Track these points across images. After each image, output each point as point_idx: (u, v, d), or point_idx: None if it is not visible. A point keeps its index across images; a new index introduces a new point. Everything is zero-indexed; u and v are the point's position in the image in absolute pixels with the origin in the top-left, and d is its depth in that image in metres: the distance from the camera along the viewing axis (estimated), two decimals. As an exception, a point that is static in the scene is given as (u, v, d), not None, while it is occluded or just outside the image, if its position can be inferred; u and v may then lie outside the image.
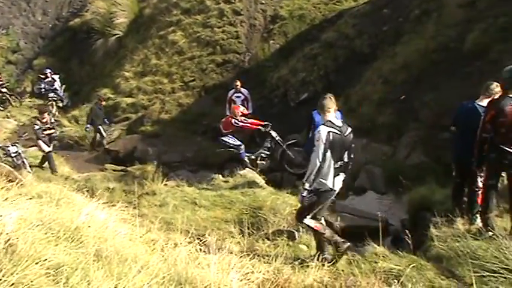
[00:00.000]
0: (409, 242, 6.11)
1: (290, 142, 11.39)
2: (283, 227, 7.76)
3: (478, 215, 6.29)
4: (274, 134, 11.37)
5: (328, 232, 6.11)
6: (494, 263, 5.14)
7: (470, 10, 12.25)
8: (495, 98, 5.87)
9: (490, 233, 5.80)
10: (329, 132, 5.74)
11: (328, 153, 5.74)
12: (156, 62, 19.01)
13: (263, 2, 18.68)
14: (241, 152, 11.44)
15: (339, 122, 5.95)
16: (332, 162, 5.81)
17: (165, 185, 9.91)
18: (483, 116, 5.82)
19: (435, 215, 6.77)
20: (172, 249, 4.46)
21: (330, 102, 5.93)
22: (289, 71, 15.84)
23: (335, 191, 6.01)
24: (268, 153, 11.59)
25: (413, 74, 12.15)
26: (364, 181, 10.63)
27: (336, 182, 5.95)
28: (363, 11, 15.92)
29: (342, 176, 6.06)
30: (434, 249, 6.14)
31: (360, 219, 8.79)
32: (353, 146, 6.13)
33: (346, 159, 6.03)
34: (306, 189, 5.83)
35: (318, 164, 5.71)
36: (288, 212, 8.40)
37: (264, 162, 11.59)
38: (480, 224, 6.18)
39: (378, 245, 6.63)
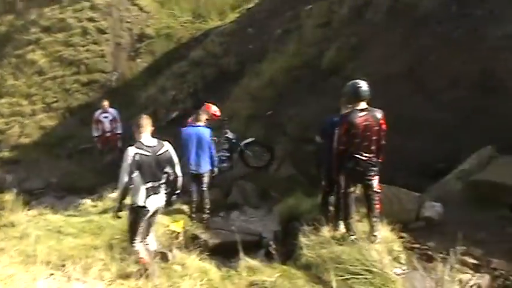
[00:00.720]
0: (276, 253, 6.31)
1: (247, 141, 11.31)
2: (156, 249, 7.57)
3: (341, 221, 6.68)
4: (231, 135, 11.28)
5: (150, 262, 6.14)
6: (357, 266, 5.49)
7: (327, 30, 13.14)
8: (346, 112, 6.30)
9: (352, 237, 6.19)
10: (136, 153, 5.85)
11: (136, 174, 5.86)
12: (14, 82, 17.75)
13: (129, 20, 18.35)
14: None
15: (151, 142, 6.03)
16: (141, 182, 5.92)
17: (26, 214, 9.17)
18: (338, 130, 6.23)
19: (303, 224, 7.05)
20: (32, 283, 4.11)
21: (144, 123, 6.04)
22: (158, 89, 15.68)
23: (148, 210, 6.06)
24: (228, 155, 11.31)
25: (279, 90, 12.69)
26: (237, 196, 10.80)
27: (149, 201, 6.03)
28: (229, 30, 16.32)
29: (159, 195, 6.16)
30: (304, 258, 6.38)
31: (234, 235, 8.88)
32: (175, 162, 6.26)
33: (163, 180, 6.16)
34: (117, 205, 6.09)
35: (124, 183, 5.83)
36: (162, 233, 8.23)
37: (225, 164, 11.15)
38: (343, 230, 6.57)
39: (252, 259, 6.76)
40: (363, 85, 6.21)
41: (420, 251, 6.52)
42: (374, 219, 6.30)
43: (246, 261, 6.54)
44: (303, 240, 6.63)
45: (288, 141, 11.30)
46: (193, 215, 9.29)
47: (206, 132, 9.13)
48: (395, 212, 7.11)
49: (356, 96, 6.20)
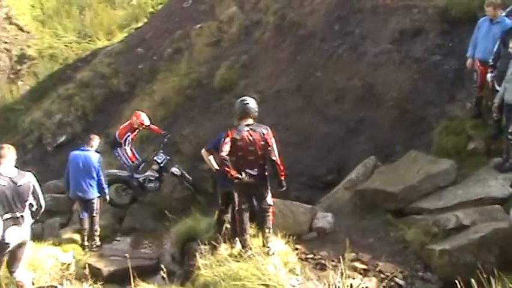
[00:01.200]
0: (172, 275, 6.16)
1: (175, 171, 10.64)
2: (45, 282, 7.10)
3: (237, 238, 6.68)
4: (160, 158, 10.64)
5: None
6: (253, 281, 5.50)
7: (217, 48, 13.29)
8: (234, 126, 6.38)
9: (249, 253, 6.20)
10: None
11: None
12: None
13: (7, 41, 17.21)
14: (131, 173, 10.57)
15: (10, 172, 5.79)
16: None
17: None
18: (222, 142, 6.27)
19: (201, 244, 6.96)
20: None
21: (4, 152, 5.79)
22: (44, 113, 14.82)
23: (8, 243, 5.73)
24: (156, 175, 10.64)
25: (171, 109, 12.55)
26: (132, 221, 10.47)
27: (9, 234, 5.71)
28: (117, 50, 15.90)
29: (22, 227, 5.86)
30: (202, 278, 6.28)
31: (130, 260, 8.55)
32: (38, 193, 6.05)
33: (25, 211, 5.88)
34: None
35: None
36: (52, 265, 7.75)
37: (152, 185, 10.54)
38: (240, 246, 6.57)
39: (149, 284, 6.54)
40: (250, 102, 6.33)
41: (314, 261, 6.70)
42: (267, 232, 6.37)
43: (143, 286, 6.32)
44: (200, 260, 6.53)
45: (183, 160, 11.17)
46: (86, 243, 8.84)
47: (94, 157, 8.76)
48: (290, 225, 7.25)
49: (243, 112, 6.32)
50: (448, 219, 6.79)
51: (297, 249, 6.86)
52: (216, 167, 6.91)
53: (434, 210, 7.18)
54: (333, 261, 6.32)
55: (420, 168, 7.89)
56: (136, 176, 10.54)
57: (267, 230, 6.36)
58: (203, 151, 7.12)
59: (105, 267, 8.27)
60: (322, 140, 9.90)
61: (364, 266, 6.42)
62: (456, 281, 4.47)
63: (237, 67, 12.24)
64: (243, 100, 6.39)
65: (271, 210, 6.42)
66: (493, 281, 4.41)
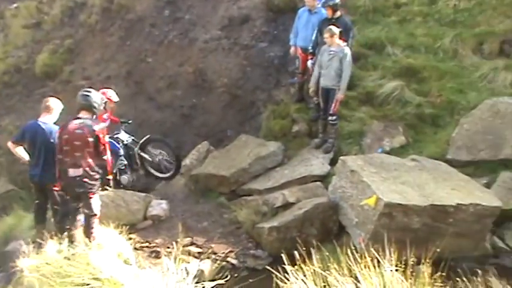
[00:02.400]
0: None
1: (142, 141, 8.30)
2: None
3: (65, 234, 6.28)
4: (122, 136, 8.25)
5: None
6: (83, 276, 5.23)
7: (37, 31, 12.24)
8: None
9: (78, 248, 5.86)
10: None
11: None
12: None
13: None
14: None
15: None
16: None
17: None
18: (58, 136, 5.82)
19: (24, 244, 6.40)
20: None
21: None
22: None
23: None
24: (125, 162, 8.28)
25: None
26: None
27: None
28: None
29: None
30: (25, 280, 5.79)
31: None
32: None
33: None
34: None
35: None
36: None
37: (126, 177, 8.16)
38: (69, 242, 6.19)
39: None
40: (89, 95, 5.86)
41: (149, 249, 6.62)
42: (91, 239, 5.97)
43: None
44: (23, 261, 6.00)
45: (2, 154, 10.15)
46: None
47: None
48: (123, 214, 7.06)
49: (78, 104, 5.87)
50: (276, 198, 7.20)
51: (131, 239, 6.69)
52: (27, 158, 6.36)
53: (263, 190, 7.56)
54: (168, 247, 6.30)
55: (250, 151, 8.22)
56: None
57: (91, 239, 5.93)
58: (9, 143, 6.51)
59: None
60: (155, 127, 9.77)
61: (199, 250, 6.53)
62: (282, 255, 4.74)
63: (61, 52, 11.43)
64: (84, 91, 5.96)
65: (95, 219, 5.98)
66: (313, 251, 4.78)
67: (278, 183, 7.60)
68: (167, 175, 8.39)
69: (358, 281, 4.08)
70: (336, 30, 7.67)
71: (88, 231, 5.91)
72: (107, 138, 6.70)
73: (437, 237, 5.73)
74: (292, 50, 8.86)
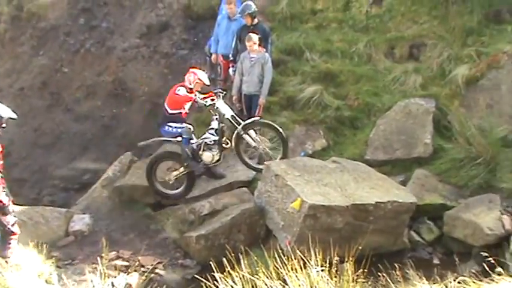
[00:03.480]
0: None
1: (248, 122, 7.31)
2: None
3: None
4: (223, 108, 7.27)
5: None
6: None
7: None
8: None
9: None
10: None
11: None
12: None
13: None
14: (186, 138, 7.29)
15: None
16: None
17: None
18: None
19: None
20: None
21: None
22: None
23: None
24: (215, 138, 7.33)
25: None
26: None
27: None
28: None
29: None
30: None
31: None
32: None
33: None
34: None
35: None
36: None
37: (210, 154, 7.25)
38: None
39: None
40: None
41: (73, 266, 6.39)
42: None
43: None
44: None
45: None
46: None
47: None
48: (43, 232, 6.79)
49: None
50: (202, 206, 7.18)
51: (53, 257, 6.41)
52: None
53: (190, 199, 7.49)
54: (92, 263, 6.10)
55: (176, 160, 8.12)
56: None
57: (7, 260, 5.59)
58: None
59: None
60: (74, 139, 9.48)
61: (126, 263, 6.38)
62: (211, 263, 4.74)
63: None
64: None
65: (13, 238, 5.65)
66: (241, 257, 4.81)
67: (204, 191, 7.57)
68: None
69: (286, 283, 4.16)
70: (256, 37, 7.81)
71: (4, 252, 5.60)
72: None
73: (360, 235, 5.95)
74: (213, 57, 8.88)
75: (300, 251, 4.37)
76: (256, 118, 7.24)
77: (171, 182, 7.46)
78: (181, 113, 7.39)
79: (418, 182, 7.14)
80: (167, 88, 9.47)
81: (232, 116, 7.22)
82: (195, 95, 7.27)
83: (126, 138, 9.23)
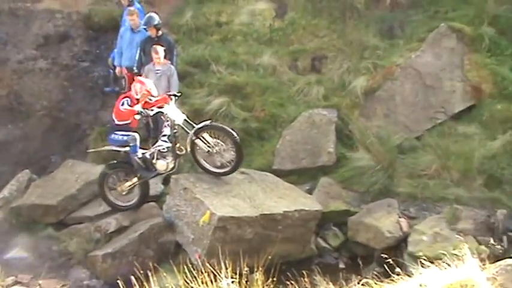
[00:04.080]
0: None
1: (200, 126, 6.76)
2: None
3: None
4: (173, 114, 6.87)
5: None
6: None
7: None
8: None
9: None
10: None
11: None
12: None
13: None
14: (134, 147, 6.87)
15: None
16: None
17: None
18: None
19: None
20: None
21: None
22: None
23: None
24: (169, 145, 6.87)
25: None
26: None
27: None
28: None
29: None
30: None
31: None
32: None
33: None
34: None
35: None
36: None
37: (164, 162, 6.81)
38: None
39: None
40: None
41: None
42: None
43: None
44: None
45: None
46: None
47: None
48: None
49: None
50: (108, 223, 6.95)
51: None
52: None
53: (94, 217, 7.22)
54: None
55: (78, 177, 7.81)
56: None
57: None
58: None
59: None
60: (-35, 157, 8.73)
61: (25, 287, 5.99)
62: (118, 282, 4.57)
63: None
64: None
65: None
66: (150, 274, 4.69)
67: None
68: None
69: (198, 298, 4.11)
70: (162, 49, 7.74)
71: None
72: None
73: (269, 245, 6.05)
74: (117, 70, 8.65)
75: (210, 264, 4.34)
76: (207, 122, 6.96)
77: (124, 194, 7.15)
78: (129, 123, 7.04)
79: (323, 189, 7.39)
80: (68, 101, 9.12)
81: (184, 120, 6.90)
82: (139, 107, 6.91)
83: (24, 155, 8.68)
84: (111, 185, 7.19)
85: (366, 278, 4.61)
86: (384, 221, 6.69)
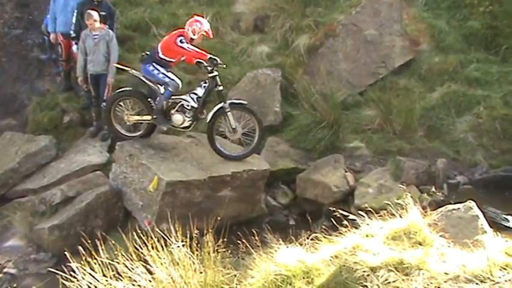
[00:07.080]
0: None
1: (236, 102, 6.79)
2: None
3: None
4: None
5: None
6: None
7: None
8: None
9: None
10: None
11: None
12: None
13: None
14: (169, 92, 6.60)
15: None
16: None
17: None
18: None
19: None
20: None
21: None
22: None
23: None
24: (195, 105, 6.63)
25: None
26: None
27: None
28: None
29: None
30: None
31: None
32: None
33: None
34: None
35: None
36: None
37: (181, 117, 6.61)
38: None
39: None
40: None
41: None
42: None
43: None
44: None
45: None
46: None
47: None
48: None
49: None
50: (54, 194, 6.80)
51: None
52: None
53: (39, 189, 7.04)
54: None
55: (18, 149, 7.55)
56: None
57: None
58: None
59: None
60: None
61: None
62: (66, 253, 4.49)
63: None
64: None
65: None
66: (98, 243, 4.61)
67: (55, 178, 7.12)
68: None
69: (148, 263, 4.09)
70: (96, 14, 7.43)
71: None
72: None
73: (219, 207, 6.09)
74: (52, 36, 8.27)
75: (160, 229, 4.31)
76: (245, 102, 6.87)
77: (127, 124, 6.96)
78: (172, 61, 6.78)
79: (270, 149, 7.46)
80: (2, 71, 8.67)
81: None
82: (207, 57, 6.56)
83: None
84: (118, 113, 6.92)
85: (315, 232, 4.72)
86: (331, 177, 6.84)
